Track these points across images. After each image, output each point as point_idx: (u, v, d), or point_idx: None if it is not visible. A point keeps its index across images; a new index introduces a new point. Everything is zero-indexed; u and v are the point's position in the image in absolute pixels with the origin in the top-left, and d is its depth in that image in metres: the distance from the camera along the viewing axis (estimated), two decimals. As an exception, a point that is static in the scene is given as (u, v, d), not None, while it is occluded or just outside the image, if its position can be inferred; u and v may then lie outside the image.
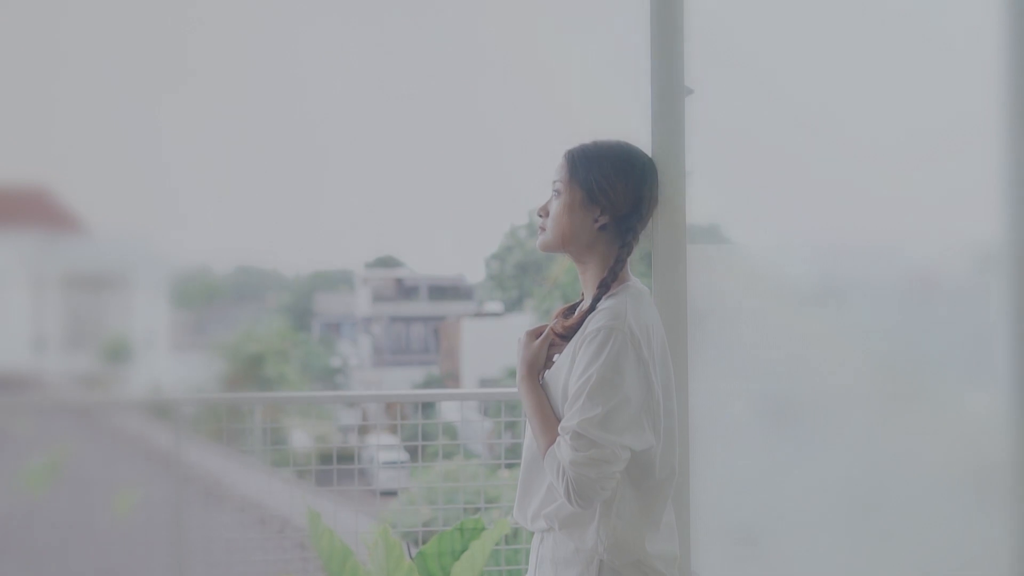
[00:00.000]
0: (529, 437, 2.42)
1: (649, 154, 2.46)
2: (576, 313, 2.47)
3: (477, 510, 4.35)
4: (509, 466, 6.60)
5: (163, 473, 4.63)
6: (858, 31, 2.81)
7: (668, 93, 2.57)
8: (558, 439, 2.28)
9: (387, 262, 28.81)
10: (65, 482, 4.35)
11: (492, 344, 23.80)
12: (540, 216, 2.46)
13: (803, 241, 2.85)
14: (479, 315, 26.55)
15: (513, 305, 26.17)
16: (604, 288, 2.37)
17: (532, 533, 2.46)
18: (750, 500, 2.78)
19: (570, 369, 2.31)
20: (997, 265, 2.87)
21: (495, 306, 26.80)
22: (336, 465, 4.34)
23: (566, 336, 2.40)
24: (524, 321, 24.08)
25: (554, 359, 2.43)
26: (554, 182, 2.42)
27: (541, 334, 2.45)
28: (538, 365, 2.43)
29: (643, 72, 2.58)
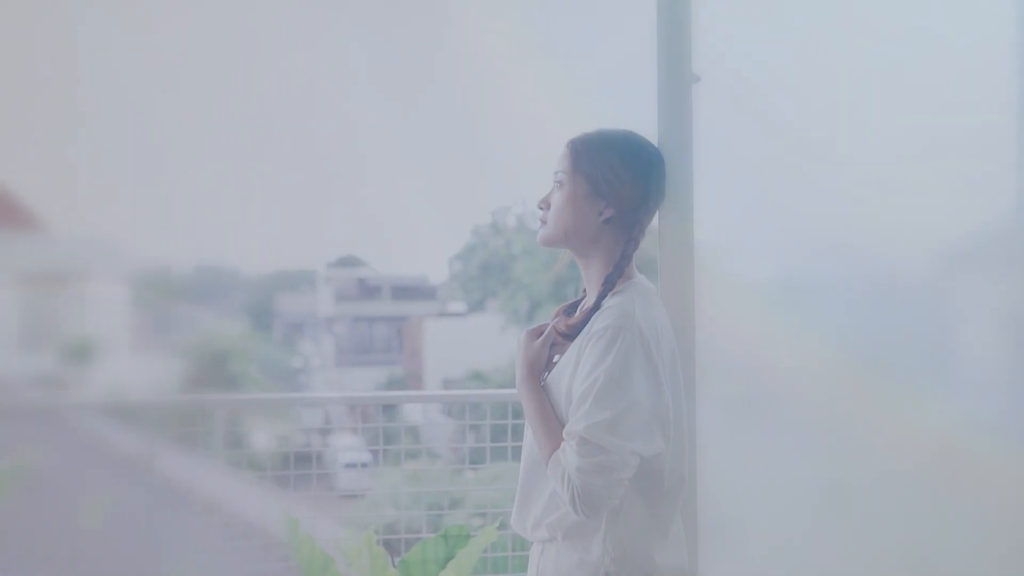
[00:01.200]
0: (529, 441, 2.30)
1: (655, 144, 2.35)
2: (579, 311, 2.35)
3: (442, 512, 4.26)
4: (473, 468, 6.56)
5: (130, 477, 4.53)
6: (849, 33, 2.74)
7: (675, 81, 2.45)
8: (563, 445, 2.16)
9: (350, 262, 28.66)
10: (30, 488, 4.21)
11: (455, 344, 23.74)
12: (541, 208, 2.34)
13: (766, 239, 2.77)
14: (442, 315, 26.47)
15: (476, 305, 26.10)
16: (610, 285, 2.26)
17: (520, 540, 2.34)
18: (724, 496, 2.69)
19: (574, 370, 2.20)
20: (962, 264, 2.84)
21: (458, 306, 26.73)
22: (295, 470, 4.23)
23: (570, 335, 2.28)
24: (488, 322, 24.03)
25: (555, 360, 2.32)
26: (556, 173, 2.31)
27: (541, 334, 2.34)
28: (539, 366, 2.31)
29: (648, 59, 2.46)
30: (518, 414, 4.52)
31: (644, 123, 2.36)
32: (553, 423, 2.22)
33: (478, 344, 22.47)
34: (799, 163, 2.69)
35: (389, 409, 12.75)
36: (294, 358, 26.72)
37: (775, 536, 2.75)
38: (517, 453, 4.67)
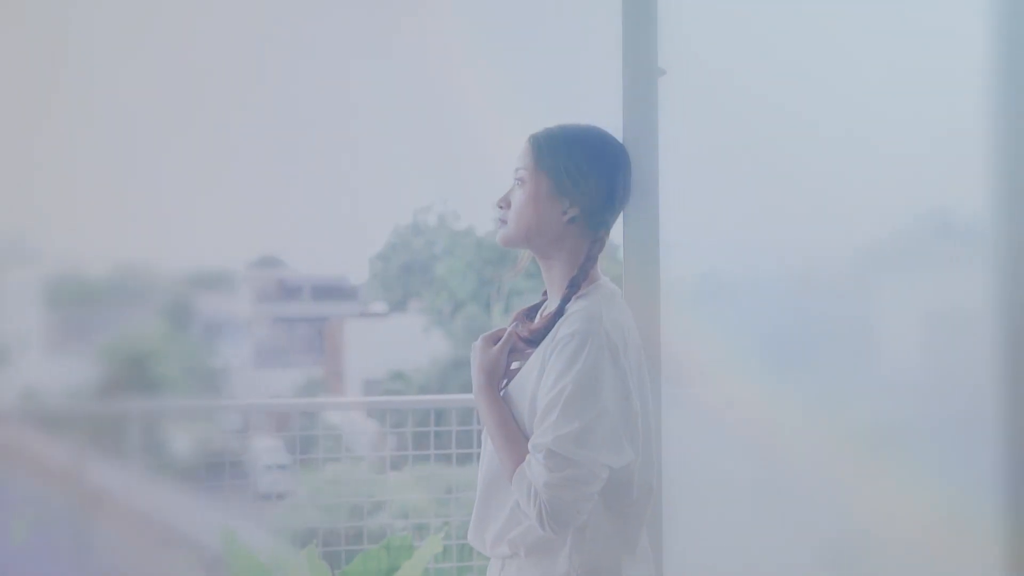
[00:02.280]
0: (489, 453, 2.19)
1: (620, 140, 2.25)
2: (540, 315, 2.24)
3: (366, 513, 4.18)
4: (394, 468, 6.51)
5: (47, 485, 4.39)
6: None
7: (640, 75, 2.36)
8: (528, 458, 2.05)
9: (269, 262, 28.34)
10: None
11: (376, 345, 23.58)
12: (501, 207, 2.23)
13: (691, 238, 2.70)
14: (363, 316, 26.29)
15: (398, 305, 25.95)
16: (574, 288, 2.15)
17: (466, 550, 2.23)
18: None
19: (539, 379, 2.09)
20: (879, 261, 2.84)
21: (380, 307, 26.56)
22: (215, 473, 4.15)
23: (532, 341, 2.17)
24: (409, 322, 23.88)
25: (514, 367, 2.21)
26: (517, 170, 2.20)
27: (498, 339, 2.23)
28: (498, 374, 2.20)
29: (612, 52, 2.36)
30: (441, 419, 4.47)
31: (608, 118, 2.27)
32: (515, 434, 2.11)
33: (400, 345, 22.32)
34: (751, 160, 2.63)
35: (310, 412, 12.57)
36: (213, 359, 26.36)
37: (738, 542, 2.69)
38: (440, 457, 4.61)
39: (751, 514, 2.74)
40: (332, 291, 28.13)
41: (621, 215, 2.26)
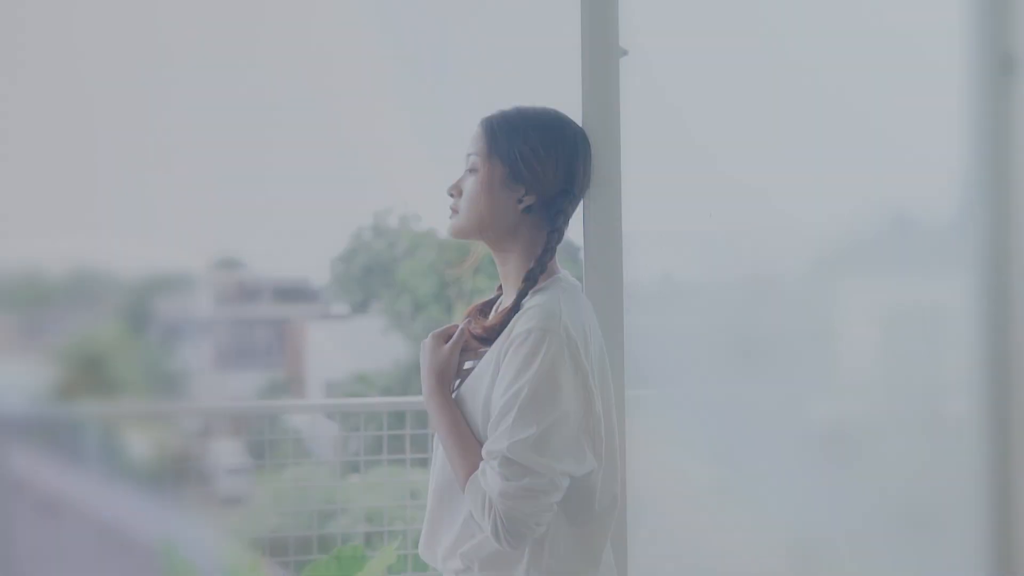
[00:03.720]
0: (440, 459, 2.03)
1: (579, 123, 2.11)
2: (495, 311, 2.09)
3: (328, 515, 4.06)
4: (356, 471, 6.42)
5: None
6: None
7: (601, 55, 2.21)
8: (483, 466, 1.90)
9: (229, 263, 28.09)
10: None
11: (338, 347, 23.42)
12: (452, 196, 2.08)
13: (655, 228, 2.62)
14: (325, 317, 26.11)
15: (359, 307, 25.80)
16: (531, 281, 2.01)
17: (423, 561, 2.08)
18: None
19: (493, 379, 1.94)
20: (839, 262, 2.83)
21: (341, 308, 26.40)
22: (174, 477, 4.04)
23: (486, 339, 2.02)
24: (371, 324, 23.72)
25: (467, 366, 2.06)
26: (469, 156, 2.05)
27: (450, 336, 2.07)
28: (449, 374, 2.05)
29: (571, 31, 2.22)
30: (393, 422, 4.36)
31: (566, 101, 2.12)
32: (469, 440, 1.96)
33: (361, 346, 22.16)
34: (717, 145, 2.54)
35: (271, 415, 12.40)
36: (173, 361, 26.10)
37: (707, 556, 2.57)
38: (399, 461, 4.51)
39: (720, 525, 2.64)
40: (293, 293, 27.93)
41: (581, 204, 2.12)
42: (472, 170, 2.04)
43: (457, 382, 2.05)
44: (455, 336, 2.06)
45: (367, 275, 26.26)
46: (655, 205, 2.36)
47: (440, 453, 2.03)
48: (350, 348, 22.67)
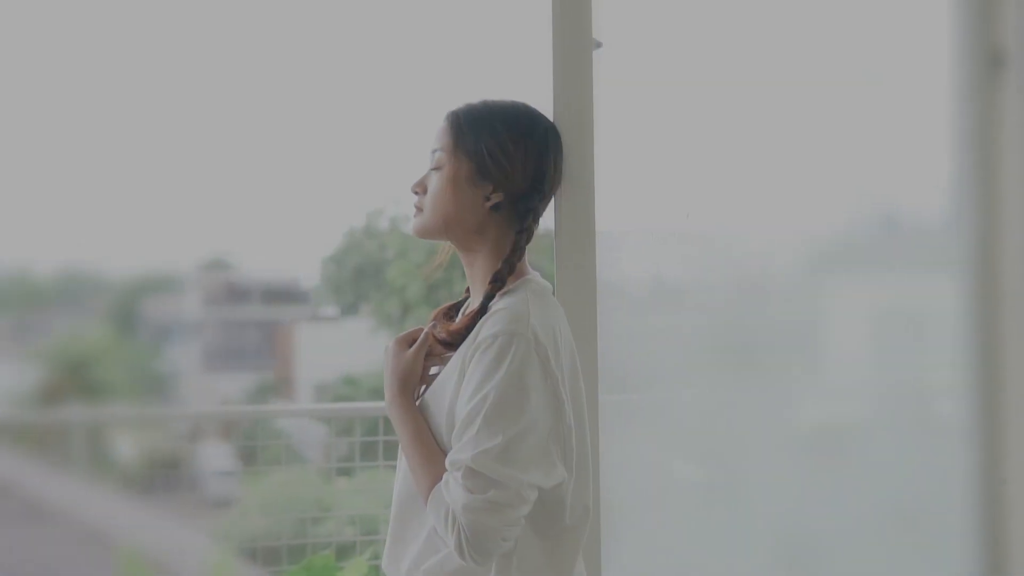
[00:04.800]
0: (404, 470, 1.94)
1: (550, 118, 2.02)
2: (462, 315, 2.00)
3: (315, 520, 4.00)
4: (343, 473, 6.36)
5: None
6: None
7: (574, 46, 2.12)
8: (446, 476, 1.81)
9: (218, 264, 28.03)
10: None
11: (328, 349, 23.38)
12: (416, 193, 1.99)
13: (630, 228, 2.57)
14: (314, 319, 26.07)
15: (349, 309, 25.76)
16: (499, 283, 1.91)
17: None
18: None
19: (458, 386, 1.84)
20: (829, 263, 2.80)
21: (331, 310, 26.36)
22: (161, 480, 4.00)
23: (451, 343, 1.92)
24: (361, 326, 23.66)
25: (432, 372, 1.96)
26: (433, 151, 1.96)
27: (414, 341, 1.98)
28: (413, 380, 1.95)
29: (542, 22, 2.13)
30: (376, 428, 4.30)
31: (537, 94, 2.04)
32: (432, 449, 1.87)
33: (351, 348, 22.11)
34: (695, 141, 2.48)
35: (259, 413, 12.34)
36: (161, 363, 26.03)
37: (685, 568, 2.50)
38: (389, 466, 4.45)
39: (698, 535, 2.55)
40: (283, 294, 27.88)
41: (552, 202, 2.04)
42: (437, 167, 1.95)
43: (423, 388, 1.96)
44: (420, 340, 1.97)
45: (358, 276, 26.21)
46: (630, 203, 2.27)
47: (404, 463, 1.94)
48: (339, 349, 22.61)
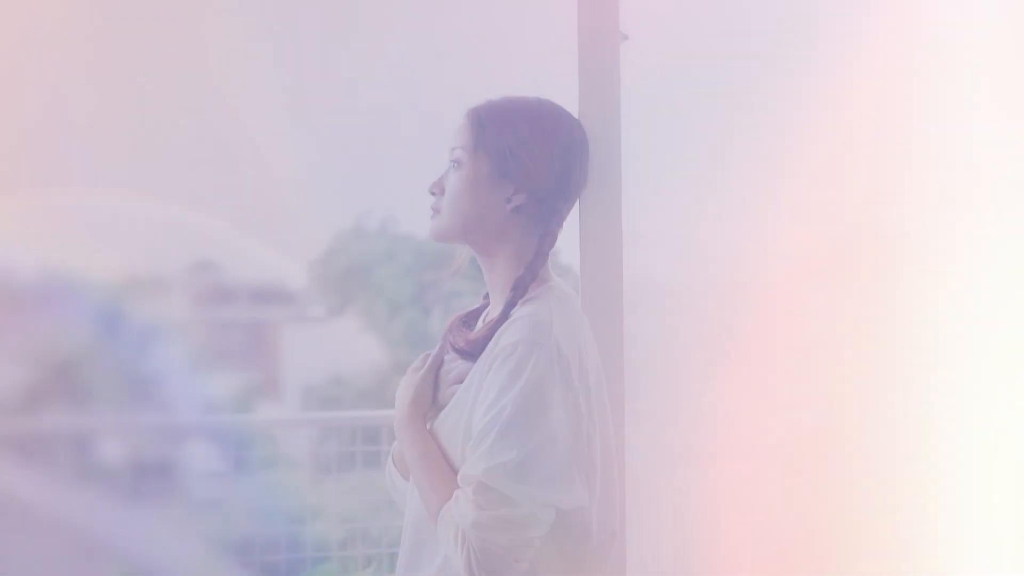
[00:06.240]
0: (416, 497, 1.84)
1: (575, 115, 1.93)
2: (481, 323, 1.89)
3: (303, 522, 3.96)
4: (335, 478, 6.36)
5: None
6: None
7: (600, 40, 2.04)
8: (456, 493, 1.70)
9: (205, 266, 27.95)
10: None
11: (315, 351, 23.26)
12: (433, 194, 1.89)
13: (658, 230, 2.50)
14: (302, 321, 25.98)
15: (337, 311, 25.67)
16: (520, 290, 1.81)
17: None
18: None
19: (475, 399, 1.74)
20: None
21: (318, 312, 26.26)
22: (148, 481, 4.01)
23: (470, 353, 1.82)
24: (348, 327, 23.58)
25: (450, 388, 1.85)
26: (453, 150, 1.87)
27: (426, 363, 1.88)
28: (423, 402, 1.85)
29: (568, 14, 2.05)
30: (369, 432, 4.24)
31: (562, 90, 1.96)
32: (442, 471, 1.77)
33: (338, 350, 22.05)
34: (724, 137, 2.43)
35: (246, 412, 12.29)
36: (147, 364, 26.00)
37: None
38: (375, 467, 4.39)
39: (732, 557, 2.46)
40: (270, 296, 27.84)
41: (577, 204, 1.93)
42: (456, 165, 1.85)
43: (437, 410, 1.85)
44: (432, 355, 1.88)
45: (346, 278, 26.25)
46: (659, 203, 2.19)
47: (416, 491, 1.84)
48: (327, 351, 22.60)
